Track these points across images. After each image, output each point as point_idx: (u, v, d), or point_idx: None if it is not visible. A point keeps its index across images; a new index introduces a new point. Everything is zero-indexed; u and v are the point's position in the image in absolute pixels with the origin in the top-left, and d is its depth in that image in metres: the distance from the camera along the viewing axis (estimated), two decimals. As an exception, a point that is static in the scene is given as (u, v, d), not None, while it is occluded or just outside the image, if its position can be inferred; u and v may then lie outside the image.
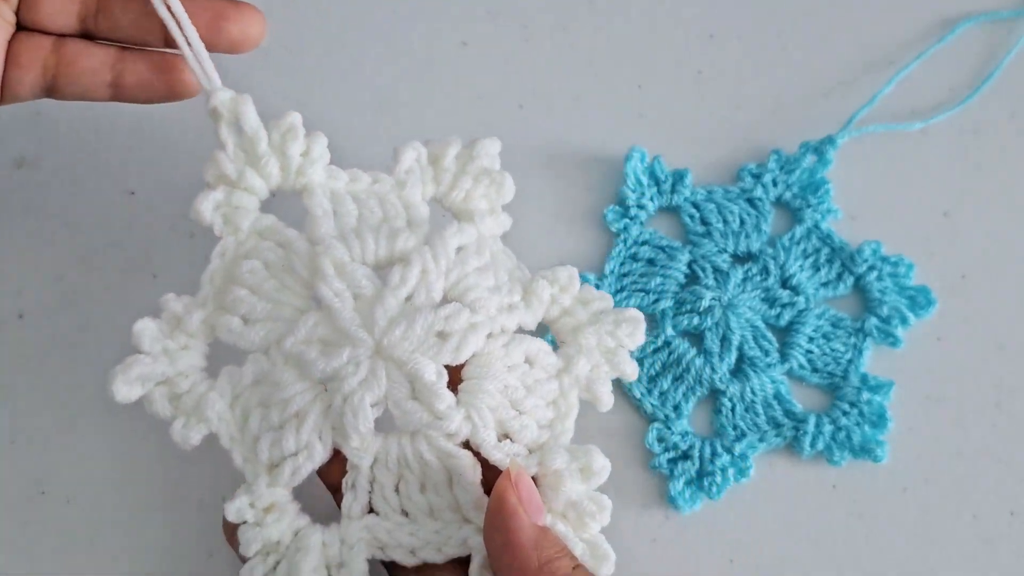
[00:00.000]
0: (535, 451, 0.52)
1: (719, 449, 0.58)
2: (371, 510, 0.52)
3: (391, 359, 0.50)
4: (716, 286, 0.60)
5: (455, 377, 0.52)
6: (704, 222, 0.61)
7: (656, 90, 0.64)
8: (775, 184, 0.62)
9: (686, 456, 0.58)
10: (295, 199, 0.54)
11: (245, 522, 0.50)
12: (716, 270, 0.60)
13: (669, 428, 0.58)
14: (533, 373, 0.53)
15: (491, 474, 0.51)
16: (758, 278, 0.60)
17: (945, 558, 0.57)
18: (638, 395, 0.59)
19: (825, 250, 0.61)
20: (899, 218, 0.62)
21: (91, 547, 0.57)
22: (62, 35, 0.54)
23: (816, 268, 0.61)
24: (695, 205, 0.62)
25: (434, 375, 0.49)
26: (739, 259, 0.61)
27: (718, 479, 0.57)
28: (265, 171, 0.53)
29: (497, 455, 0.51)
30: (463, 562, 0.51)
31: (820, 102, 0.64)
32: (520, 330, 0.54)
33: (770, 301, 0.60)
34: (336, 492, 0.53)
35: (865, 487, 0.58)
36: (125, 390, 0.50)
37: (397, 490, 0.52)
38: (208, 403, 0.51)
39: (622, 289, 0.61)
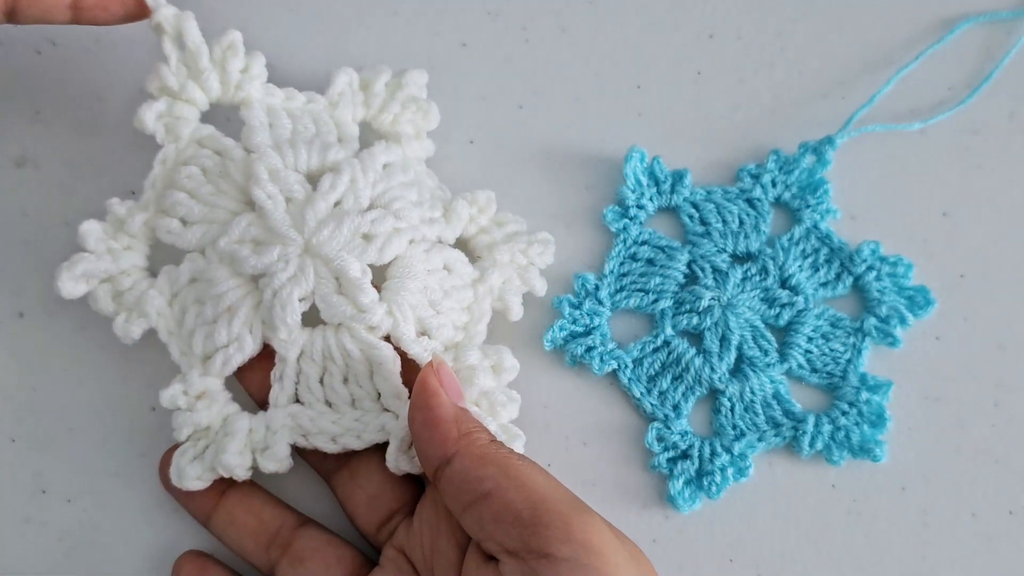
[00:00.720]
0: (451, 348, 0.57)
1: (718, 449, 0.58)
2: (296, 402, 0.56)
3: (319, 257, 0.54)
4: (715, 286, 0.60)
5: (379, 280, 0.55)
6: (703, 222, 0.61)
7: (655, 90, 0.64)
8: (774, 184, 0.62)
9: (685, 455, 0.58)
10: (234, 116, 0.58)
11: (178, 408, 0.54)
12: (715, 270, 0.60)
13: (668, 428, 0.58)
14: (451, 279, 0.57)
15: (409, 368, 0.55)
16: (757, 278, 0.60)
17: (944, 557, 0.57)
18: (638, 394, 0.59)
19: (824, 250, 0.61)
20: (898, 218, 0.62)
21: (91, 547, 0.58)
22: None
23: (815, 268, 0.61)
24: (694, 205, 0.62)
25: (359, 271, 0.53)
26: (738, 259, 0.61)
27: (717, 479, 0.57)
28: (206, 84, 0.56)
29: (416, 349, 0.55)
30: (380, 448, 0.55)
31: (819, 102, 0.64)
32: (440, 242, 0.58)
33: (769, 301, 0.60)
34: (258, 400, 0.57)
35: (864, 486, 0.58)
36: (70, 286, 0.54)
37: (321, 382, 0.55)
38: (148, 299, 0.55)
39: (622, 289, 0.61)
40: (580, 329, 0.60)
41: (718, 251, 0.61)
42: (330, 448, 0.55)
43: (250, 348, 0.54)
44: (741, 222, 0.61)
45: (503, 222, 0.60)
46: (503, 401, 0.55)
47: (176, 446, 0.55)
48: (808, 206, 0.61)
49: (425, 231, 0.56)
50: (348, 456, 0.56)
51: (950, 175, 0.63)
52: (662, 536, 0.58)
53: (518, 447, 0.54)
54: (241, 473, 0.53)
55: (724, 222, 0.61)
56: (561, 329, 0.60)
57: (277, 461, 0.54)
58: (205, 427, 0.54)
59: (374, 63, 0.62)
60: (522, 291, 0.59)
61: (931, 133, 0.63)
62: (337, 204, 0.55)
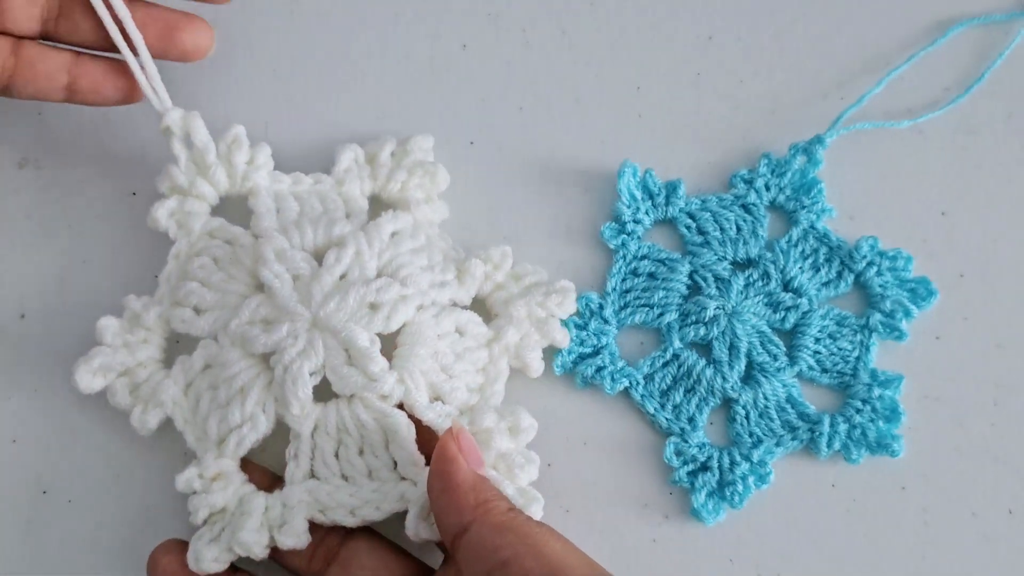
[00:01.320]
0: (466, 412, 0.56)
1: (738, 458, 0.57)
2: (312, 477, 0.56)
3: (327, 329, 0.54)
4: (719, 295, 0.60)
5: (391, 349, 0.55)
6: (701, 231, 0.61)
7: (655, 92, 0.64)
8: (768, 188, 0.62)
9: (705, 467, 0.58)
10: (244, 208, 0.59)
11: (194, 491, 0.54)
12: (717, 279, 0.60)
13: (686, 441, 0.58)
14: (463, 342, 0.57)
15: (424, 434, 0.55)
16: (760, 283, 0.60)
17: (944, 556, 0.57)
18: (652, 410, 0.59)
19: (823, 249, 0.61)
20: (897, 218, 0.62)
21: (91, 547, 0.57)
22: (21, 37, 0.56)
23: (816, 268, 0.61)
24: (690, 215, 0.62)
25: (367, 341, 0.54)
26: (739, 265, 0.61)
27: (739, 488, 0.57)
28: (214, 179, 0.58)
29: (429, 415, 0.55)
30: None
31: (817, 103, 0.64)
32: (454, 304, 0.58)
33: (774, 305, 0.60)
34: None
35: (864, 486, 0.58)
36: (88, 379, 0.55)
37: (337, 456, 0.55)
38: (163, 389, 0.56)
39: (626, 306, 0.60)
40: (588, 350, 0.59)
41: (718, 259, 0.61)
42: (349, 522, 0.54)
43: (264, 427, 0.55)
44: (738, 228, 0.61)
45: (521, 275, 0.60)
46: (520, 463, 0.54)
47: (161, 544, 0.55)
48: (803, 207, 0.61)
49: (435, 295, 0.57)
50: (334, 552, 0.55)
51: (949, 175, 0.63)
52: (662, 536, 0.57)
53: (536, 511, 0.52)
54: (259, 551, 0.53)
55: (722, 230, 0.61)
56: (569, 353, 0.59)
57: (295, 536, 0.53)
58: (221, 509, 0.54)
59: (376, 69, 0.63)
60: (542, 345, 0.58)
61: (929, 134, 0.63)
62: (343, 277, 0.55)
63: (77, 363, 0.55)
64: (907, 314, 0.59)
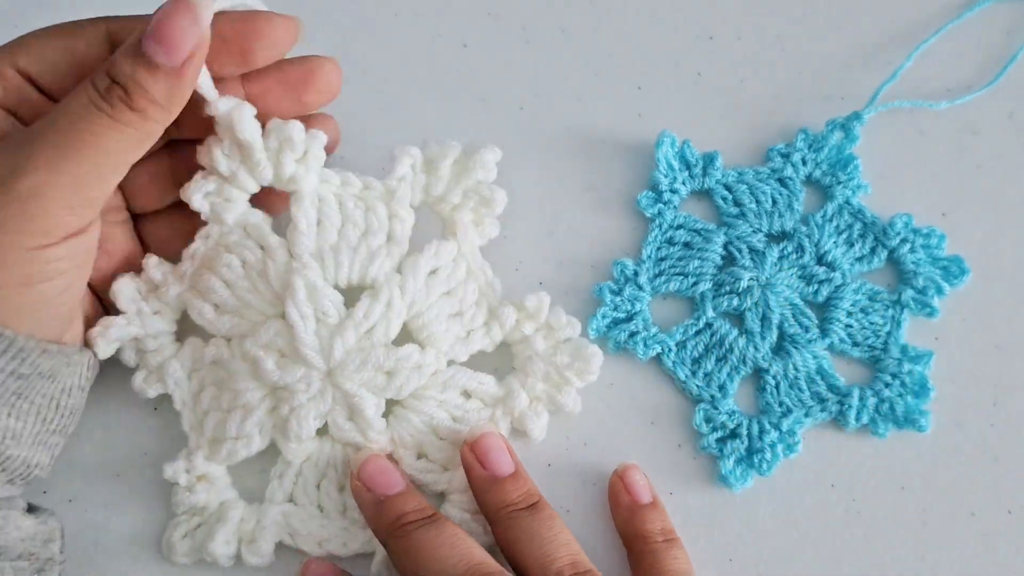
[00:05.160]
0: (449, 469, 0.57)
1: (767, 426, 0.58)
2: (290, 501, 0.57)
3: (339, 388, 0.54)
4: (753, 266, 0.60)
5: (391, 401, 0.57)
6: (737, 203, 0.62)
7: (655, 90, 0.65)
8: (804, 163, 0.62)
9: (734, 435, 0.58)
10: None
11: (178, 484, 0.55)
12: (752, 250, 0.61)
13: (716, 408, 0.58)
14: (467, 405, 0.57)
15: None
16: (794, 256, 0.61)
17: (944, 556, 0.57)
18: (683, 377, 0.59)
19: (858, 225, 0.61)
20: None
21: (93, 547, 0.57)
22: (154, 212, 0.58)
23: (850, 243, 0.61)
24: (727, 187, 0.62)
25: (373, 410, 0.55)
26: (774, 238, 0.62)
27: (768, 455, 0.57)
28: (258, 173, 0.55)
29: (414, 472, 0.56)
30: None
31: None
32: (480, 352, 0.58)
33: (807, 278, 0.60)
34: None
35: (864, 486, 0.58)
36: (103, 345, 0.54)
37: (318, 486, 0.56)
38: (168, 369, 0.56)
39: (660, 273, 0.61)
40: (622, 315, 0.60)
41: (753, 231, 0.61)
42: (315, 551, 0.55)
43: (257, 447, 0.55)
44: (774, 202, 0.62)
45: (554, 327, 0.58)
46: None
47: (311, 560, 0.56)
48: (839, 182, 0.62)
49: (457, 350, 0.57)
50: None
51: (950, 175, 0.63)
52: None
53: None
54: (224, 562, 0.55)
55: (757, 202, 0.62)
56: (603, 316, 0.60)
57: (260, 556, 0.55)
58: (201, 507, 0.56)
59: (378, 67, 0.62)
60: (548, 409, 0.58)
61: (931, 134, 0.64)
62: (368, 332, 0.55)
63: (93, 332, 0.54)
64: (939, 291, 0.60)
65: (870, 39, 0.65)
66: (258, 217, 0.56)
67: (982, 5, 0.65)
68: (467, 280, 0.58)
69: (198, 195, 0.55)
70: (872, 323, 0.60)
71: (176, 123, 0.51)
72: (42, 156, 0.46)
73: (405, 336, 0.56)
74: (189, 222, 0.56)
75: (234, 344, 0.56)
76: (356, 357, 0.54)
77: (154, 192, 0.56)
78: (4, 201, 0.46)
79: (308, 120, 0.56)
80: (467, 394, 0.57)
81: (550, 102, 0.64)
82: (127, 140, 0.48)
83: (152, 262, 0.56)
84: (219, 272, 0.56)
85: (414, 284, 0.55)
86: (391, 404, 0.57)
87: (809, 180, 0.63)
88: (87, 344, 0.54)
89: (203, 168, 0.55)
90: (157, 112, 0.48)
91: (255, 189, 0.56)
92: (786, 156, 0.63)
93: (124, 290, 0.55)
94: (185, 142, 0.56)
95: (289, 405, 0.54)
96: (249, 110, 0.53)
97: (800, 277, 0.61)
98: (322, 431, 0.56)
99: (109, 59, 0.48)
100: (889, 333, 0.60)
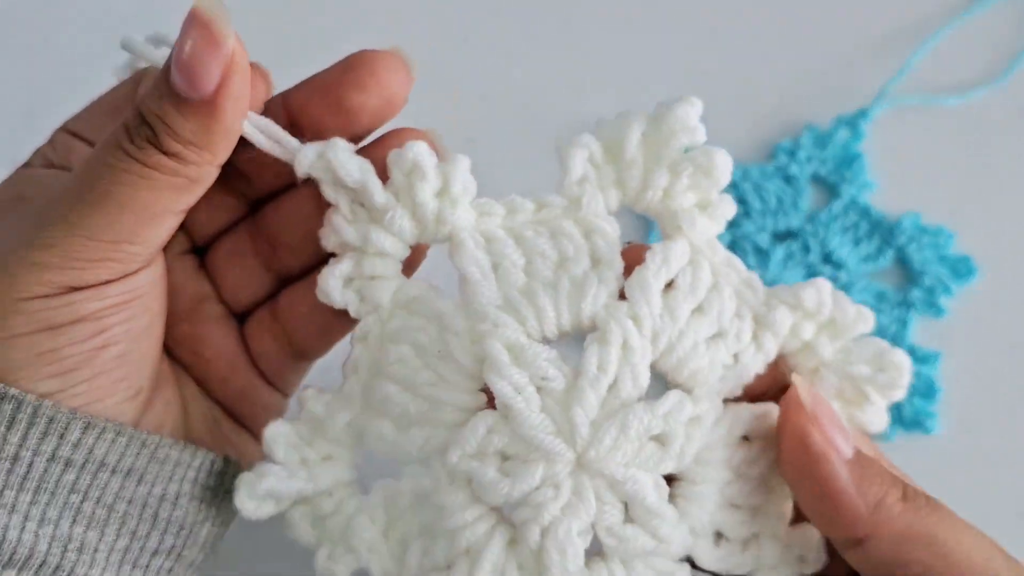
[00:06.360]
0: (750, 547, 0.42)
1: None
2: None
3: (600, 476, 0.38)
4: (758, 266, 0.60)
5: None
6: (741, 202, 0.61)
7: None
8: (810, 160, 0.62)
9: None
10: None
11: None
12: (757, 249, 0.60)
13: None
14: (751, 454, 0.41)
15: None
16: (799, 255, 0.60)
17: None
18: None
19: (864, 224, 0.61)
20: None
21: None
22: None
23: (856, 242, 0.61)
24: (731, 185, 0.61)
25: (655, 495, 0.39)
26: (779, 237, 0.61)
27: None
28: (394, 226, 0.41)
29: (713, 566, 0.41)
30: None
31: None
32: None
33: (812, 277, 0.60)
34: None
35: None
36: (252, 506, 0.41)
37: None
38: (356, 530, 0.41)
39: None
40: None
41: (758, 230, 0.61)
42: None
43: None
44: (779, 200, 0.61)
45: (839, 325, 0.42)
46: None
47: None
48: (845, 180, 0.61)
49: (730, 384, 0.41)
50: None
51: (958, 173, 0.63)
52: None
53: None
54: None
55: (762, 200, 0.61)
56: None
57: None
58: None
59: None
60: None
61: (939, 131, 0.63)
62: (611, 387, 0.39)
63: (238, 482, 0.41)
64: (947, 291, 0.59)
65: (878, 35, 0.65)
66: (419, 288, 0.42)
67: (992, 0, 0.64)
68: (717, 286, 0.41)
69: (336, 286, 0.41)
70: (879, 323, 0.59)
71: (253, 182, 0.43)
72: (63, 203, 0.39)
73: (657, 384, 0.40)
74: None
75: (435, 465, 0.40)
76: (611, 427, 0.38)
77: (243, 276, 0.45)
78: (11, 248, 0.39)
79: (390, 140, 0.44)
80: (749, 437, 0.41)
81: (552, 100, 0.64)
82: (159, 188, 0.39)
83: (310, 393, 0.42)
84: (390, 373, 0.41)
85: (649, 309, 0.39)
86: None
87: (815, 178, 0.62)
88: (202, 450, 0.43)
89: (334, 255, 0.42)
90: (195, 155, 0.39)
91: (403, 251, 0.42)
92: (792, 153, 0.62)
93: (279, 436, 0.41)
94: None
95: (538, 526, 0.38)
96: (344, 145, 0.41)
97: (806, 276, 0.60)
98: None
99: (139, 92, 0.42)
100: (896, 334, 0.59)
